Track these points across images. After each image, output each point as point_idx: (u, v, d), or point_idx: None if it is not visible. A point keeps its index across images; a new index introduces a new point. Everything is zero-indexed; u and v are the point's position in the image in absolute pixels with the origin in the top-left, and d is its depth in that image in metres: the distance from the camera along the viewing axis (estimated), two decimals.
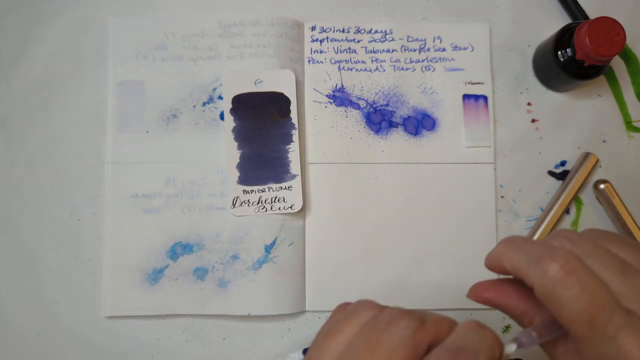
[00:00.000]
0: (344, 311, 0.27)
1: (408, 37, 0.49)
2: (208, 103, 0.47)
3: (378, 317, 0.25)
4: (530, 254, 0.25)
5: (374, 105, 0.48)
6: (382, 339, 0.23)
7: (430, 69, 0.49)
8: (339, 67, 0.48)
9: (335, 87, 0.48)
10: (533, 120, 0.48)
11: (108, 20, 0.48)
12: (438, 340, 0.24)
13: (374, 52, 0.48)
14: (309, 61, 0.48)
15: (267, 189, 0.45)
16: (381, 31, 0.49)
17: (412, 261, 0.46)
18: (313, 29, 0.49)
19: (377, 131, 0.48)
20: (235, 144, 0.46)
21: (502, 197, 0.48)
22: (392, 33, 0.49)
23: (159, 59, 0.47)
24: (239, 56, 0.47)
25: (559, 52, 0.45)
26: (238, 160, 0.46)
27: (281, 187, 0.45)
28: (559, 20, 0.49)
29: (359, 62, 0.48)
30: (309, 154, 0.47)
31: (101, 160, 0.47)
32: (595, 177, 0.48)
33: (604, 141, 0.48)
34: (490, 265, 0.27)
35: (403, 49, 0.49)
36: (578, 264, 0.23)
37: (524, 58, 0.49)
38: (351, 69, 0.48)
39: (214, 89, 0.47)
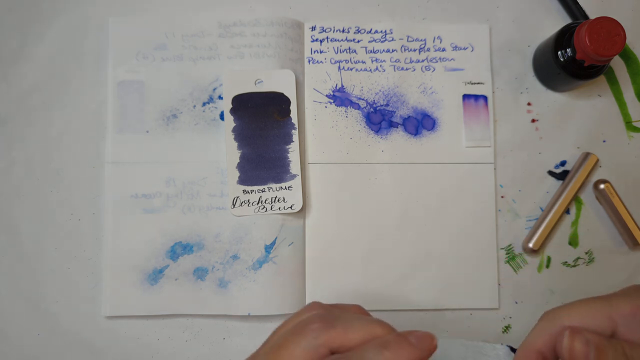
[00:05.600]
0: (299, 311, 0.31)
1: (408, 37, 0.49)
2: (208, 103, 0.47)
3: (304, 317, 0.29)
4: None
5: (374, 105, 0.48)
6: (294, 337, 0.27)
7: (430, 69, 0.49)
8: (339, 67, 0.48)
9: (335, 87, 0.48)
10: (533, 120, 0.48)
11: (108, 20, 0.48)
12: (346, 347, 0.27)
13: (374, 52, 0.48)
14: (309, 61, 0.48)
15: (267, 189, 0.45)
16: (381, 31, 0.49)
17: (412, 261, 0.46)
18: (313, 29, 0.49)
19: (377, 131, 0.48)
20: (235, 144, 0.46)
21: (502, 197, 0.48)
22: (392, 33, 0.49)
23: (159, 59, 0.47)
24: (239, 56, 0.47)
25: (559, 52, 0.45)
26: (238, 160, 0.46)
27: (281, 187, 0.45)
28: (559, 20, 0.49)
29: (359, 62, 0.48)
30: (309, 154, 0.47)
31: (101, 160, 0.47)
32: (595, 177, 0.48)
33: (604, 141, 0.48)
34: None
35: (403, 49, 0.49)
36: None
37: (524, 58, 0.49)
38: (351, 69, 0.48)
39: (214, 89, 0.47)
